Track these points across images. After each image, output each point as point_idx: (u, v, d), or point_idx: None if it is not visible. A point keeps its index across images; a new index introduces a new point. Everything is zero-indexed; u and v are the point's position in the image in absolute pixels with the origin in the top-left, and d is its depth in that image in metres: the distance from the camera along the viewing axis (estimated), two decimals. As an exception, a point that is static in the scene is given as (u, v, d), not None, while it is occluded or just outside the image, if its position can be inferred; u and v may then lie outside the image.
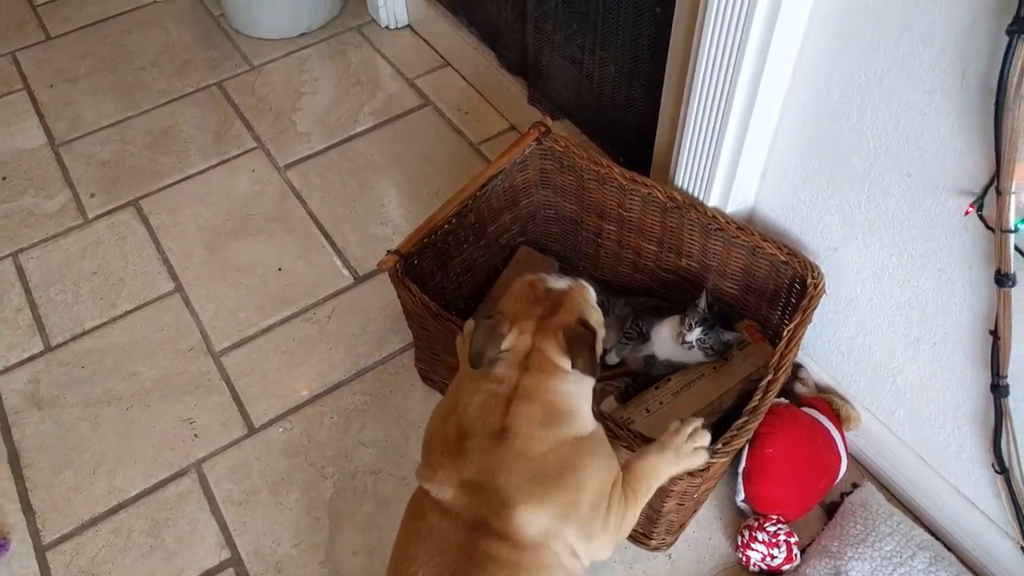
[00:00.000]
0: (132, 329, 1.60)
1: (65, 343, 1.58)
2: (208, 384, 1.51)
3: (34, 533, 1.33)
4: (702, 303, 1.30)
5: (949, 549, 1.22)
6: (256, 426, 1.45)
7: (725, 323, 1.31)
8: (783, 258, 1.24)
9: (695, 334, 1.29)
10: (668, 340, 1.33)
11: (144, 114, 2.02)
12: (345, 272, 1.68)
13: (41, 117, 2.02)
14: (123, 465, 1.40)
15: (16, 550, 1.30)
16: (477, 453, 0.88)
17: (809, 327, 1.21)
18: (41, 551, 1.30)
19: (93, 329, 1.60)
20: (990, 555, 1.18)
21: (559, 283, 0.98)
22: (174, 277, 1.69)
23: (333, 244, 1.73)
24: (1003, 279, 0.96)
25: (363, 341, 1.56)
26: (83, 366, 1.54)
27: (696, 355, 1.31)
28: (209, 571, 1.28)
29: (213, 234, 1.76)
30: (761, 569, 1.22)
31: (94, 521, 1.34)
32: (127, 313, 1.62)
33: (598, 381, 1.37)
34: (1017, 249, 0.93)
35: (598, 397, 1.35)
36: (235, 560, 1.29)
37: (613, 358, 1.39)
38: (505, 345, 0.91)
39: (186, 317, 1.61)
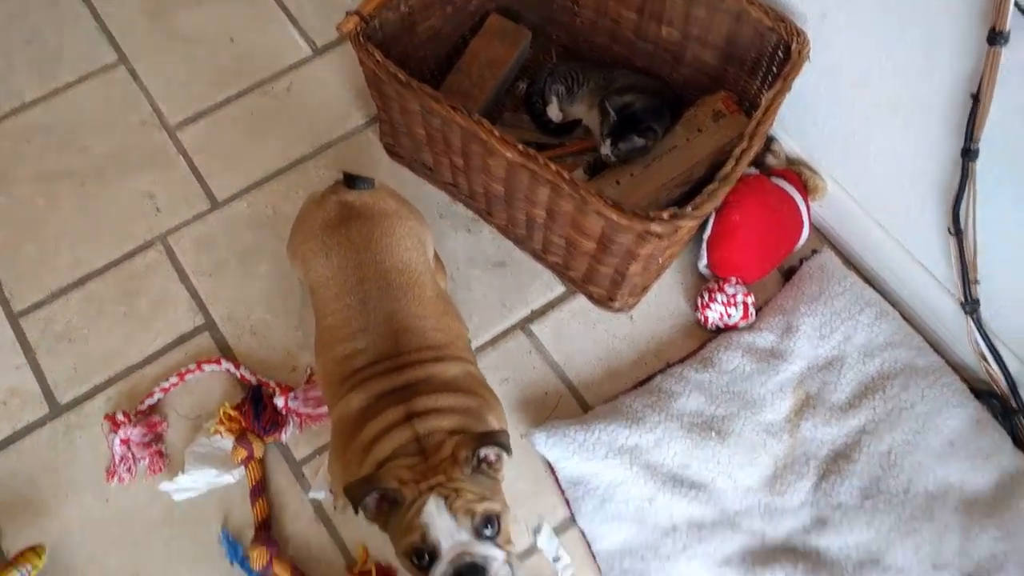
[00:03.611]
0: (76, 103, 1.50)
1: (6, 117, 1.49)
2: (165, 159, 1.45)
3: (3, 301, 1.32)
4: (611, 113, 1.28)
5: (894, 307, 1.30)
6: (219, 200, 1.41)
7: (636, 126, 1.26)
8: (769, 23, 1.19)
9: (607, 146, 1.27)
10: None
11: None
12: (302, 43, 1.57)
13: None
14: (85, 239, 1.38)
15: (-13, 318, 1.30)
16: None
17: (786, 99, 1.18)
18: (14, 318, 1.31)
19: (34, 102, 1.50)
20: (931, 310, 1.26)
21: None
22: (116, 48, 1.56)
23: (287, 12, 1.60)
24: (996, 37, 0.92)
25: (325, 116, 1.50)
26: (29, 140, 1.46)
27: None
28: (185, 335, 1.30)
29: (155, 1, 1.61)
30: (718, 327, 1.28)
31: (63, 291, 1.33)
32: (69, 86, 1.52)
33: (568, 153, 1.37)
34: (1016, 5, 0.89)
35: (567, 169, 1.34)
36: (209, 325, 1.31)
37: (556, 113, 1.39)
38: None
39: (134, 90, 1.52)
